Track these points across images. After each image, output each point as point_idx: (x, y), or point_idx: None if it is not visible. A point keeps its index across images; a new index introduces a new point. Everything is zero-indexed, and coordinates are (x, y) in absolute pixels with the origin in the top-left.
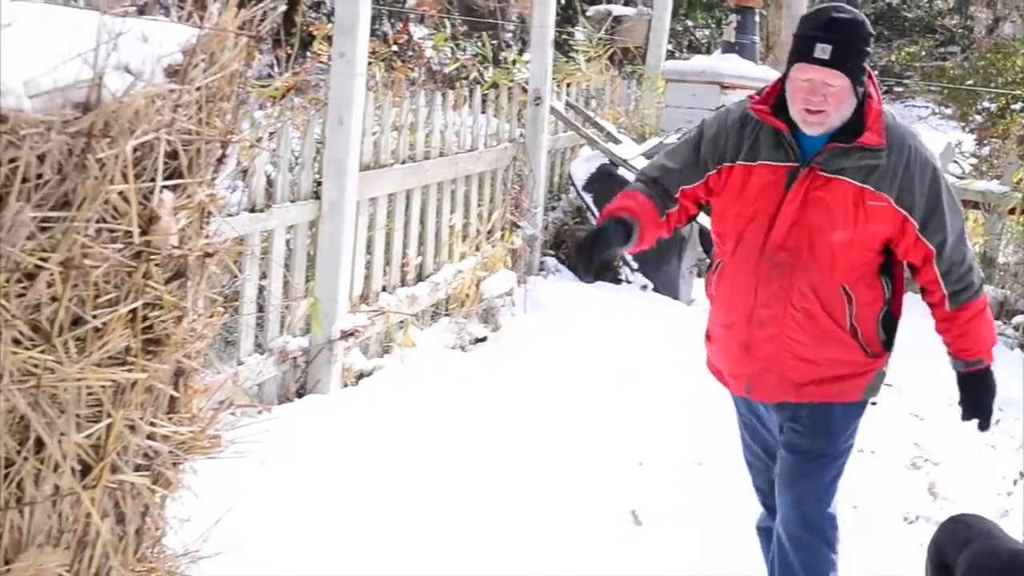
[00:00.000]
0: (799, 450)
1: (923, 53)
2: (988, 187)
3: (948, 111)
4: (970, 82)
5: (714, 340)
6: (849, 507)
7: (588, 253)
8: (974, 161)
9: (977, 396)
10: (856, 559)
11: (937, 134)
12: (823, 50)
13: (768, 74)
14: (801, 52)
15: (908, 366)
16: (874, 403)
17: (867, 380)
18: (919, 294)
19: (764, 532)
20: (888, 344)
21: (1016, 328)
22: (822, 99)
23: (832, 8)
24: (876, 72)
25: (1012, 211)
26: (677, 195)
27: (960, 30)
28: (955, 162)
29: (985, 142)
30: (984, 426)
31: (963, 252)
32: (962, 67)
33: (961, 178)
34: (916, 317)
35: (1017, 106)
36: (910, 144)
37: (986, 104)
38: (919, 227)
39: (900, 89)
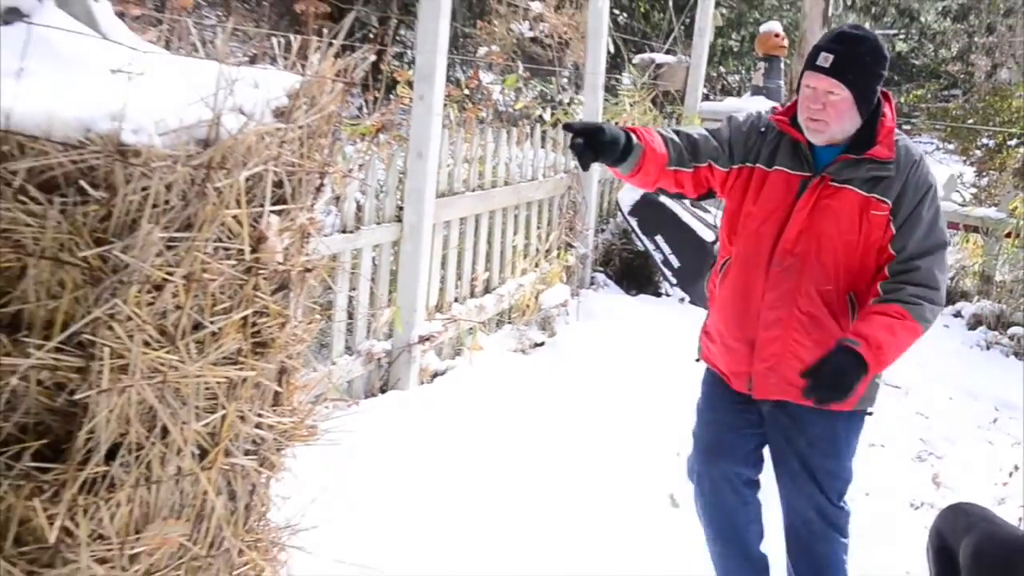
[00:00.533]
0: (799, 456)
1: (929, 95)
2: (987, 213)
3: (951, 147)
4: (971, 121)
5: (716, 338)
6: (862, 494)
7: (582, 131)
8: (974, 191)
9: (827, 366)
10: (868, 540)
11: (941, 167)
12: (825, 59)
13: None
14: (809, 61)
15: (915, 372)
16: (870, 413)
17: (862, 389)
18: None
19: (706, 489)
20: None
21: (1011, 338)
22: (821, 107)
23: (848, 25)
24: None
25: (1008, 235)
26: (702, 165)
27: (962, 75)
28: (957, 191)
29: (984, 174)
30: (808, 393)
31: (916, 267)
32: (963, 108)
33: (963, 205)
34: None
35: (1013, 142)
36: (916, 161)
37: (985, 140)
38: (894, 231)
39: (908, 127)
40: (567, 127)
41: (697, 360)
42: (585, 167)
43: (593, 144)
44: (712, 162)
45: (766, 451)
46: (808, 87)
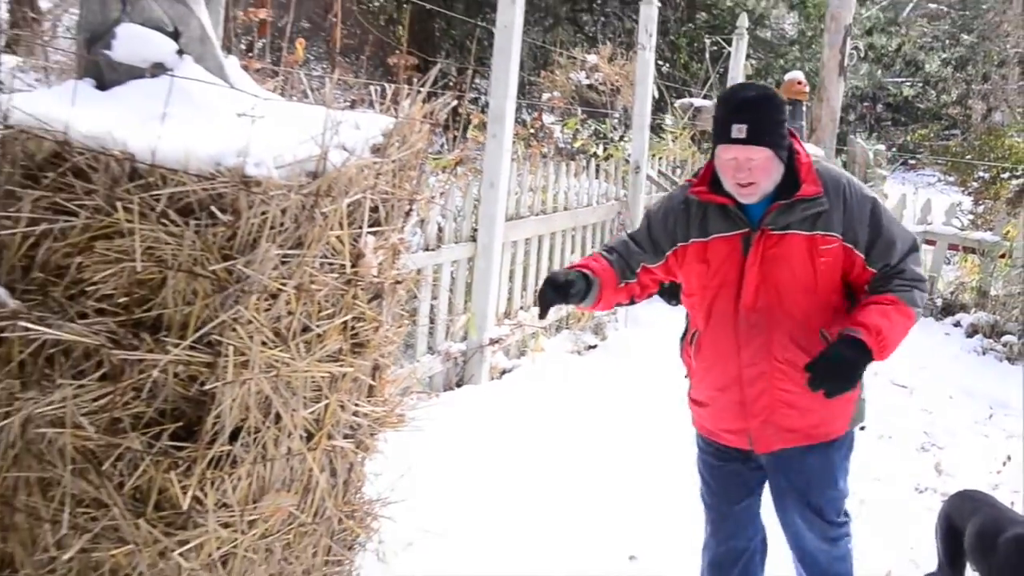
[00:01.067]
0: (801, 493)
1: (932, 135)
2: (983, 237)
3: (951, 179)
4: (968, 157)
5: (707, 404)
6: (872, 479)
7: (544, 299)
8: (971, 217)
9: (829, 359)
10: (877, 520)
11: (943, 196)
12: (739, 130)
13: (813, 149)
14: (720, 134)
15: (918, 372)
16: (863, 428)
17: (851, 411)
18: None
19: (718, 566)
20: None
21: (1004, 345)
22: (748, 172)
23: (741, 88)
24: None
25: (1002, 256)
26: (638, 270)
27: (960, 117)
28: (957, 218)
29: (980, 203)
30: (815, 386)
31: (903, 266)
32: (962, 146)
33: (962, 230)
34: (924, 334)
35: (1005, 175)
36: (844, 184)
37: (981, 174)
38: (864, 257)
39: (913, 162)
40: (541, 313)
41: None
42: (543, 316)
43: (562, 296)
44: (644, 264)
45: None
46: (729, 158)
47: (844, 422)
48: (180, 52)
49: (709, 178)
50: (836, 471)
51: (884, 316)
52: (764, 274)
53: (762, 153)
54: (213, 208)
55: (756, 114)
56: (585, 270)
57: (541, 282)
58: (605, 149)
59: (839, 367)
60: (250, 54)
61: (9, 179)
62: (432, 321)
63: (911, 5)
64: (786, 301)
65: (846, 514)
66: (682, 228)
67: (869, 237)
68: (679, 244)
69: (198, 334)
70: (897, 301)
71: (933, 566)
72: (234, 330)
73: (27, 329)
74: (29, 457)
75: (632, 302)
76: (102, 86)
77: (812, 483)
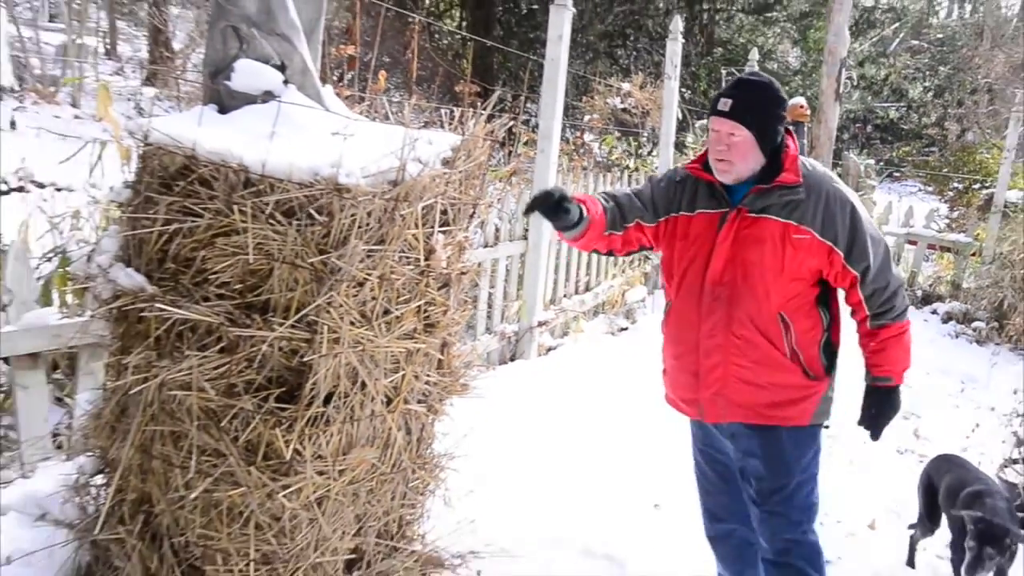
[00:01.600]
0: (759, 478)
1: (913, 152)
2: (957, 238)
3: (930, 189)
4: (945, 170)
5: (668, 371)
6: (860, 443)
7: (535, 206)
8: (947, 221)
9: (877, 409)
10: (864, 478)
11: (923, 203)
12: (724, 103)
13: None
14: (712, 107)
15: None
16: (826, 427)
17: (813, 405)
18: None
19: (713, 540)
20: (829, 368)
21: (974, 330)
22: (725, 148)
23: (747, 73)
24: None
25: (973, 254)
26: (630, 224)
27: (938, 137)
28: (935, 222)
29: (955, 209)
30: (875, 436)
31: (887, 279)
32: (939, 161)
33: (939, 232)
34: None
35: (976, 186)
36: (827, 185)
37: (955, 184)
38: (844, 255)
39: (898, 174)
40: (529, 209)
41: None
42: (525, 214)
43: (547, 209)
44: (639, 220)
45: None
46: (713, 130)
47: (804, 413)
48: (286, 82)
49: (704, 158)
50: (790, 460)
51: (903, 355)
52: (734, 252)
53: (742, 132)
54: (311, 211)
55: (746, 94)
56: (583, 206)
57: (537, 193)
58: (636, 162)
59: (885, 416)
60: (342, 83)
61: (148, 187)
62: (490, 306)
63: (896, 41)
64: (750, 280)
65: (812, 528)
66: (675, 200)
67: (848, 237)
68: (671, 214)
69: (298, 315)
70: (904, 327)
71: (914, 518)
72: (328, 312)
73: (162, 310)
74: (163, 414)
75: (610, 253)
76: (223, 111)
77: (765, 465)
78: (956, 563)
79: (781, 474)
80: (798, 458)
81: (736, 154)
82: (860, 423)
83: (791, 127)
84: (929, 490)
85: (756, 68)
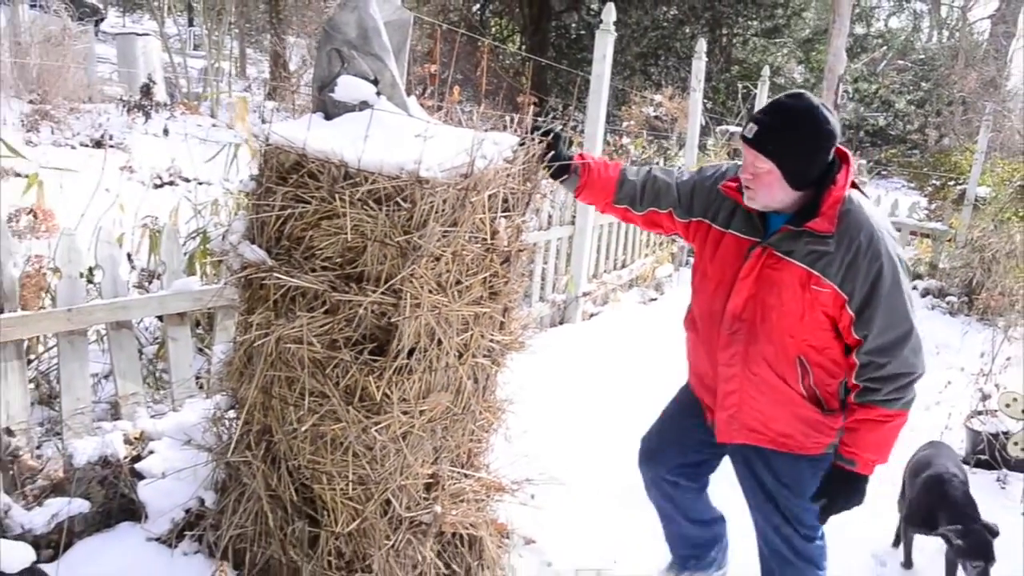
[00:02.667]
0: (766, 491)
1: (899, 154)
2: (935, 226)
3: (912, 185)
4: (925, 170)
5: (692, 373)
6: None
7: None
8: (927, 212)
9: (832, 489)
10: None
11: (906, 197)
12: (750, 129)
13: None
14: (744, 127)
15: None
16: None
17: (830, 438)
18: None
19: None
20: (846, 404)
21: (948, 303)
22: (751, 177)
23: (789, 96)
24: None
25: (948, 240)
26: (661, 209)
27: (920, 141)
28: (916, 213)
29: (933, 202)
30: (822, 519)
31: (888, 359)
32: (920, 161)
33: (920, 221)
34: None
35: (951, 183)
36: (864, 236)
37: (934, 181)
38: (854, 316)
39: (885, 173)
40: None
41: None
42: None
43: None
44: (672, 211)
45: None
46: (745, 155)
47: (819, 444)
48: (378, 94)
49: None
50: (805, 484)
51: (878, 444)
52: (756, 290)
53: (765, 164)
54: (398, 199)
55: (775, 121)
56: (581, 171)
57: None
58: (665, 162)
59: (844, 500)
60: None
61: (268, 180)
62: (543, 279)
63: (885, 61)
64: (768, 323)
65: (820, 539)
66: (714, 206)
67: (863, 300)
68: (704, 219)
69: (387, 284)
70: (891, 416)
71: (893, 459)
72: (411, 282)
73: (278, 278)
74: (280, 363)
75: (623, 219)
76: (328, 118)
77: (780, 487)
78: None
79: (797, 493)
80: (809, 479)
81: (759, 184)
82: (812, 498)
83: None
84: (913, 470)
85: (767, 82)
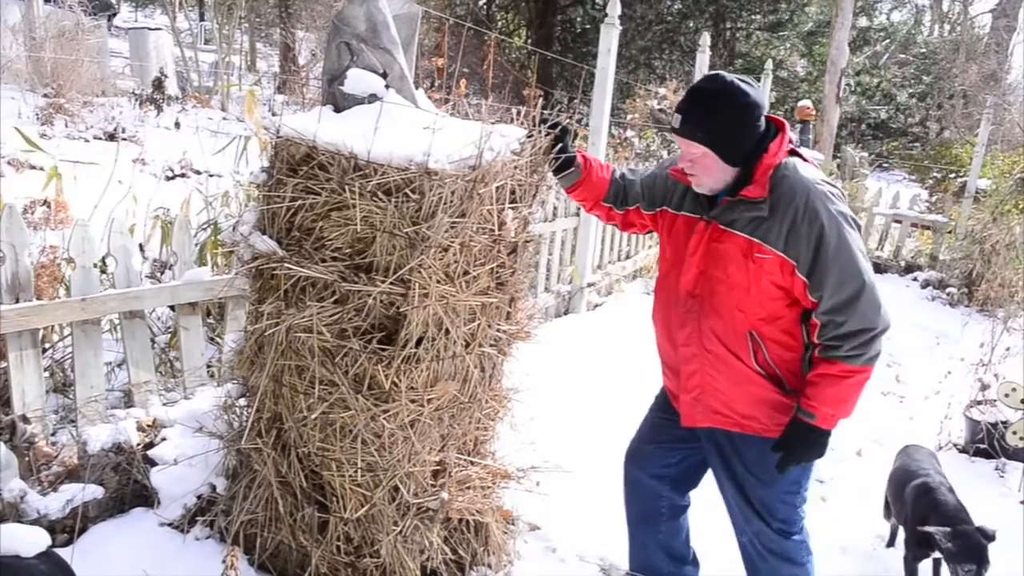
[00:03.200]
0: (736, 482)
1: (900, 147)
2: (936, 218)
3: (913, 177)
4: (926, 162)
5: (660, 356)
6: None
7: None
8: (928, 204)
9: (790, 441)
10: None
11: (907, 189)
12: (676, 119)
13: (812, 154)
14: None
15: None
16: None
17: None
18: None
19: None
20: None
21: (947, 294)
22: (690, 164)
23: (705, 78)
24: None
25: (948, 232)
26: (630, 207)
27: (921, 134)
28: (917, 205)
29: (934, 194)
30: (780, 467)
31: (845, 317)
32: (922, 154)
33: (921, 213)
34: (891, 285)
35: (952, 175)
36: (800, 199)
37: (935, 174)
38: (806, 280)
39: (887, 165)
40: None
41: None
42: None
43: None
44: (639, 206)
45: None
46: (680, 146)
47: (782, 426)
48: (387, 87)
49: None
50: (773, 469)
51: (837, 397)
52: (704, 266)
53: (697, 149)
54: (407, 190)
55: (694, 106)
56: (583, 161)
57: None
58: (669, 154)
59: (802, 451)
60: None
61: (279, 171)
62: (548, 270)
63: (887, 55)
64: (717, 297)
65: (797, 535)
66: (671, 193)
67: (811, 263)
68: (665, 207)
69: (396, 275)
70: (852, 371)
71: (892, 445)
72: (419, 272)
73: (289, 269)
74: (290, 352)
75: (607, 220)
76: (337, 110)
77: (749, 473)
78: (909, 561)
79: (766, 481)
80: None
81: (699, 169)
82: (772, 448)
83: (799, 124)
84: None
85: (769, 75)
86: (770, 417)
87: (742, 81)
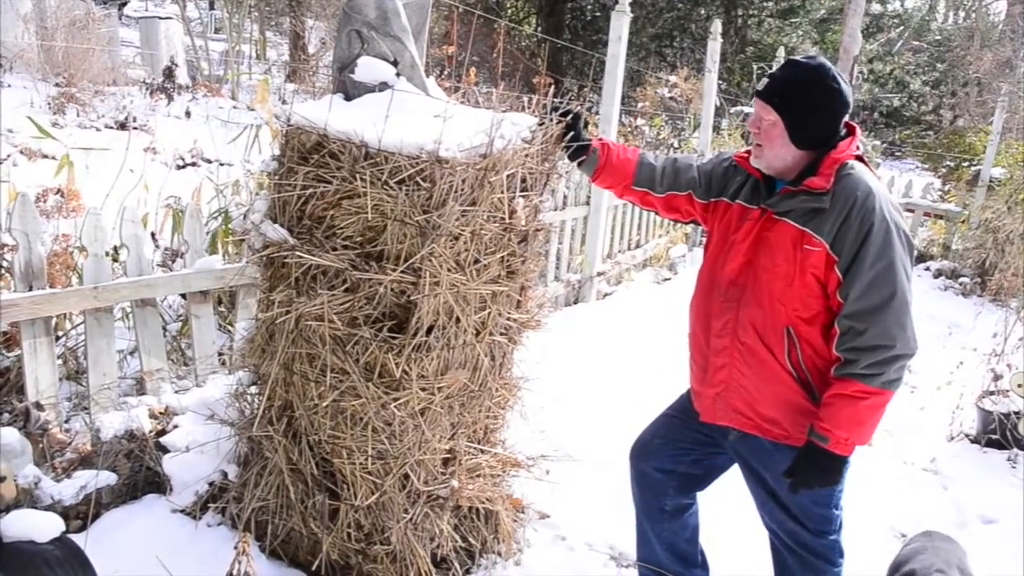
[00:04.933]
0: (767, 487)
1: (913, 135)
2: (949, 207)
3: (926, 166)
4: (939, 151)
5: (690, 350)
6: None
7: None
8: (940, 193)
9: (802, 465)
10: None
11: (920, 178)
12: (762, 83)
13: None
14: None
15: None
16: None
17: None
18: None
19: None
20: None
21: (960, 284)
22: (757, 131)
23: (805, 57)
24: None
25: (961, 222)
26: (680, 193)
27: (934, 122)
28: (930, 194)
29: (947, 183)
30: (792, 489)
31: (866, 326)
32: (935, 142)
33: (934, 202)
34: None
35: (965, 164)
36: (860, 193)
37: (948, 163)
38: (841, 277)
39: (899, 153)
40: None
41: None
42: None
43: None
44: (692, 192)
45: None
46: (755, 111)
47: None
48: (398, 75)
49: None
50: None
51: (852, 420)
52: (752, 254)
53: (771, 116)
54: (418, 179)
55: (784, 75)
56: (600, 153)
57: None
58: (680, 142)
59: (816, 476)
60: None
61: (290, 160)
62: (558, 259)
63: (900, 42)
64: (760, 287)
65: (831, 536)
66: (729, 183)
67: (850, 256)
68: (721, 197)
69: (407, 263)
70: (869, 393)
71: (905, 439)
72: (430, 260)
73: (300, 257)
74: (301, 340)
75: (656, 212)
76: (348, 98)
77: (781, 482)
78: None
79: (783, 484)
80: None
81: (766, 139)
82: (785, 472)
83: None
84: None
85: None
86: (793, 424)
87: (838, 72)
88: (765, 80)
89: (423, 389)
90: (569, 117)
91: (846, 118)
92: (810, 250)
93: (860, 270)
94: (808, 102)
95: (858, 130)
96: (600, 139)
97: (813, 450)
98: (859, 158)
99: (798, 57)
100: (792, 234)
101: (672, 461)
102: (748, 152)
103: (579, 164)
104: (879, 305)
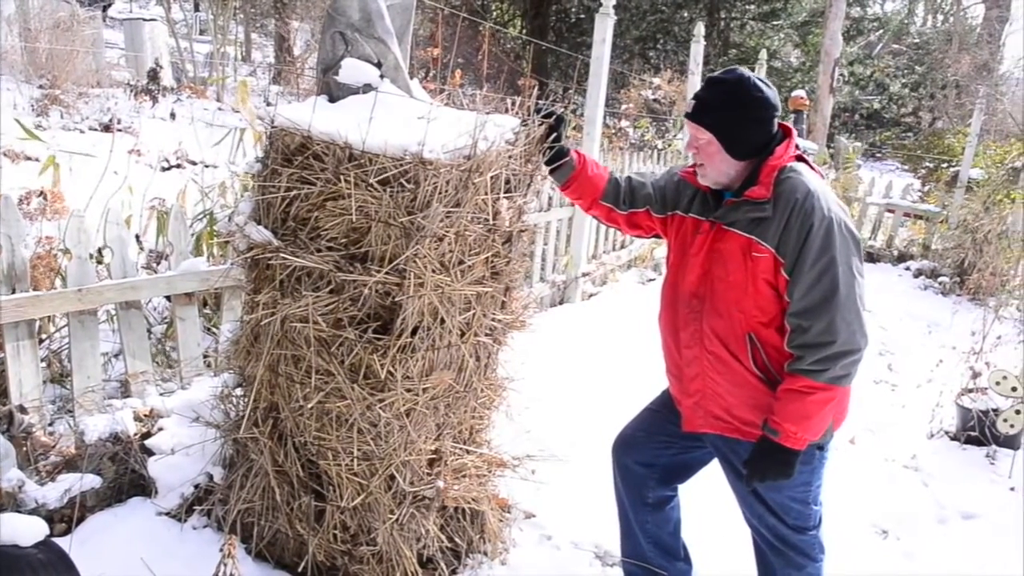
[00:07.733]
0: (742, 488)
1: (893, 136)
2: (928, 208)
3: (906, 167)
4: (918, 152)
5: (665, 359)
6: None
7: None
8: (920, 194)
9: (755, 458)
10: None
11: (900, 179)
12: (690, 105)
13: (807, 144)
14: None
15: (878, 301)
16: (820, 448)
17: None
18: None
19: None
20: None
21: (939, 283)
22: (695, 151)
23: (725, 71)
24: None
25: (940, 222)
26: (639, 210)
27: (914, 124)
28: (910, 195)
29: (926, 184)
30: (747, 482)
31: (810, 323)
32: (914, 144)
33: (914, 203)
34: (884, 274)
35: (944, 165)
36: (799, 195)
37: (927, 164)
38: (788, 278)
39: (880, 155)
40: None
41: None
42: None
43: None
44: (649, 208)
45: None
46: (689, 132)
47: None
48: (382, 77)
49: None
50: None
51: (801, 415)
52: (707, 265)
53: (704, 135)
54: (402, 180)
55: (708, 93)
56: (575, 157)
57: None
58: (664, 144)
59: (770, 469)
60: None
61: (274, 161)
62: (544, 259)
63: (880, 45)
64: (717, 297)
65: (811, 534)
66: (683, 196)
67: (794, 256)
68: (676, 211)
69: (391, 264)
70: (815, 388)
71: (886, 436)
72: (414, 262)
73: (284, 259)
74: (286, 341)
75: (618, 228)
76: (332, 100)
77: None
78: None
79: (778, 488)
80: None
81: (705, 157)
82: (744, 462)
83: (793, 114)
84: None
85: (764, 65)
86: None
87: (758, 79)
88: (692, 101)
89: (408, 390)
90: (552, 119)
91: (777, 120)
92: (759, 257)
93: (803, 269)
94: (736, 115)
95: (794, 131)
96: (576, 150)
97: (765, 443)
98: (800, 158)
99: (717, 73)
100: (741, 243)
101: (653, 454)
102: (693, 167)
103: (552, 171)
104: (821, 302)
